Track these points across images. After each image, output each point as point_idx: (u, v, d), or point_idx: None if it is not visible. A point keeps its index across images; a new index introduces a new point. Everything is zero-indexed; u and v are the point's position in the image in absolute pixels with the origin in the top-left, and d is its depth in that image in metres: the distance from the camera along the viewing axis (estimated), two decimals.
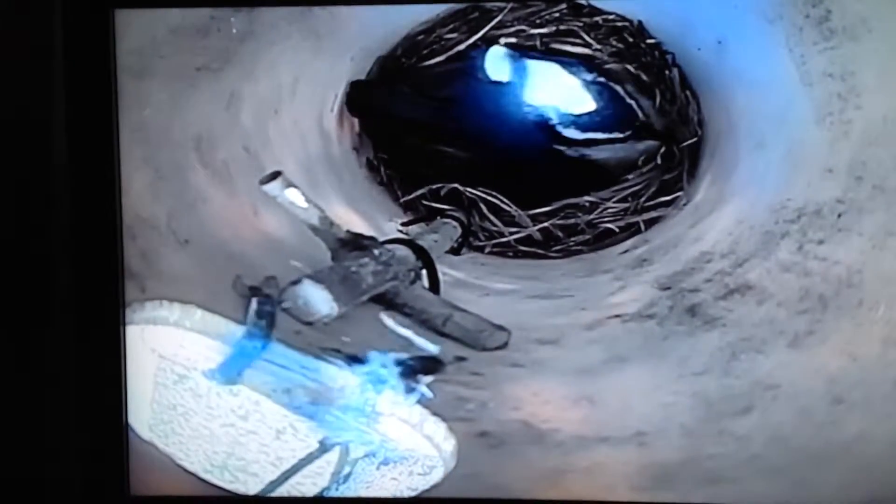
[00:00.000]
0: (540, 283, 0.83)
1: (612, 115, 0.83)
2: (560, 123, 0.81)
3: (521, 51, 0.82)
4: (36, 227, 0.73)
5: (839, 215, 0.73)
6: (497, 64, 0.83)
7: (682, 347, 0.75)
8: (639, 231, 0.85)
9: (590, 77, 0.82)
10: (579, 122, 0.82)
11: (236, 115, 0.79)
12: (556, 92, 0.82)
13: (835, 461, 0.73)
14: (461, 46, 0.83)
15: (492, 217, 0.87)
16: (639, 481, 0.74)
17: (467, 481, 0.75)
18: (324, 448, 0.76)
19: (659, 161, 0.85)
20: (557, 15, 0.84)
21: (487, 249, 0.88)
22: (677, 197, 0.85)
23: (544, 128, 0.81)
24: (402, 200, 0.90)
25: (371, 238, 0.81)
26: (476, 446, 0.75)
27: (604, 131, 0.83)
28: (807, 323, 0.73)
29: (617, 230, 0.84)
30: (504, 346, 0.77)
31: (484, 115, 0.82)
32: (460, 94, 0.83)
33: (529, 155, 0.82)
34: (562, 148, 0.82)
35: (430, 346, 0.76)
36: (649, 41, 0.82)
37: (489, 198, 0.86)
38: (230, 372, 0.76)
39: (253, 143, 0.80)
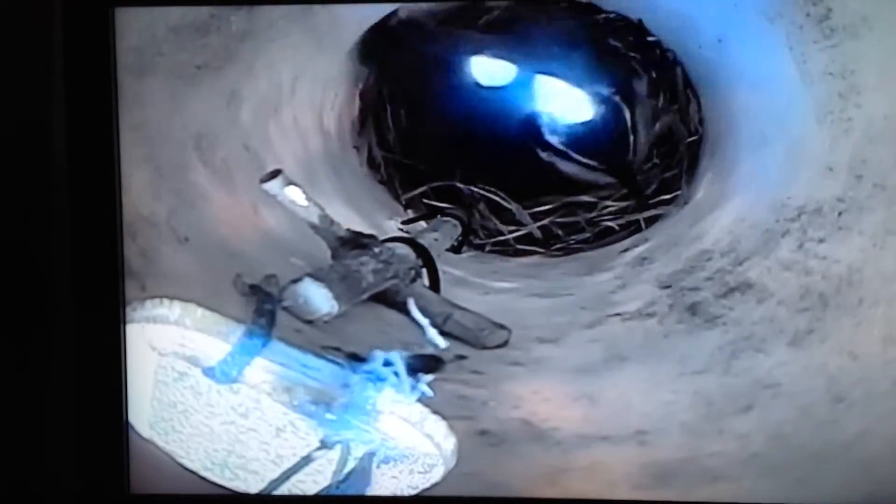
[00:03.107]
0: (540, 282, 0.84)
1: (602, 144, 0.83)
2: (547, 127, 0.82)
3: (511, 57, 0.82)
4: (35, 225, 0.73)
5: (840, 214, 0.73)
6: (483, 71, 0.83)
7: (682, 346, 0.76)
8: (639, 229, 0.85)
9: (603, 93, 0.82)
10: (566, 132, 0.82)
11: (236, 113, 0.79)
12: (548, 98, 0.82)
13: (835, 460, 0.73)
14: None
15: (492, 215, 0.88)
16: (639, 479, 0.74)
17: (467, 479, 0.75)
18: (325, 446, 0.76)
19: (658, 160, 0.86)
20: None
21: (488, 248, 0.89)
22: (678, 195, 0.85)
23: (530, 126, 0.82)
24: (402, 199, 0.90)
25: (371, 236, 0.82)
26: (476, 445, 0.75)
27: (583, 154, 0.83)
28: (807, 321, 0.73)
29: (617, 228, 0.85)
30: (504, 344, 0.77)
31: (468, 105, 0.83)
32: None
33: (508, 147, 0.82)
34: (537, 150, 0.83)
35: (439, 340, 0.76)
36: (649, 39, 0.82)
37: (489, 196, 0.86)
38: (230, 370, 0.76)
39: (253, 141, 0.80)
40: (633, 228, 0.85)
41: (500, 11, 0.84)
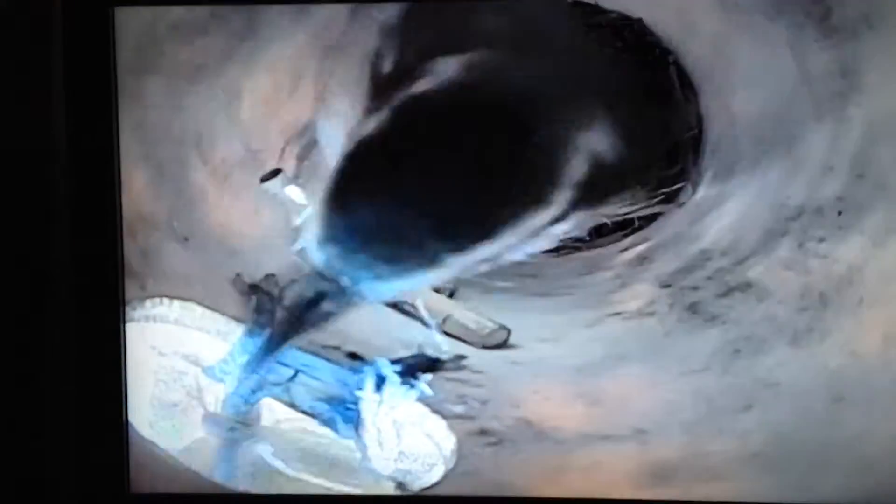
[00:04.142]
0: (540, 281, 0.83)
1: None
2: None
3: None
4: (36, 224, 0.73)
5: (840, 213, 0.73)
6: None
7: (682, 345, 0.75)
8: (639, 228, 0.85)
9: None
10: None
11: (236, 112, 0.79)
12: None
13: (835, 459, 0.73)
14: None
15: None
16: (639, 478, 0.74)
17: (467, 479, 0.75)
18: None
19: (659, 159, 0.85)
20: None
21: None
22: (678, 194, 0.84)
23: None
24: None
25: None
26: (476, 444, 0.75)
27: None
28: (807, 321, 0.73)
29: (617, 227, 0.84)
30: (504, 343, 0.77)
31: None
32: None
33: None
34: None
35: (442, 343, 0.76)
36: (649, 39, 0.82)
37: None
38: (230, 369, 0.76)
39: (253, 140, 0.80)
40: (632, 227, 0.85)
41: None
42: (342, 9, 0.76)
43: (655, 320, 0.77)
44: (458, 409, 0.75)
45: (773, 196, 0.75)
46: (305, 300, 0.74)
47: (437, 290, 0.82)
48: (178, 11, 0.74)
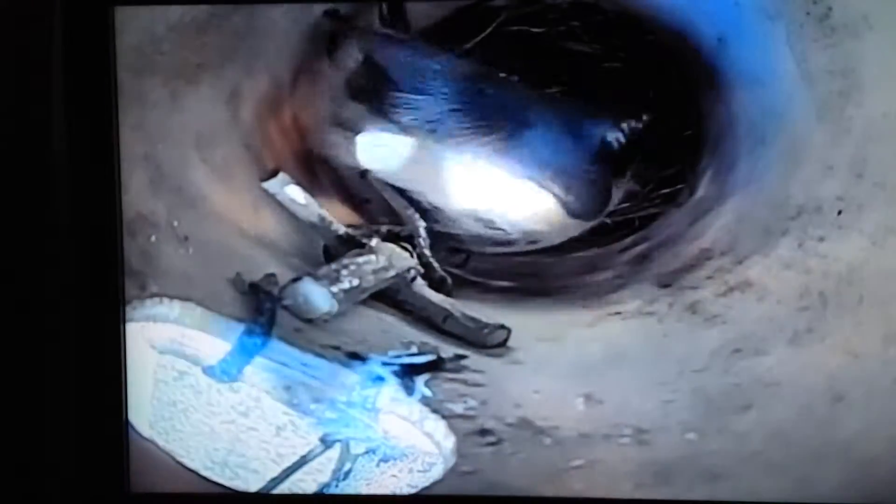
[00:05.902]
0: (540, 281, 0.84)
1: None
2: None
3: None
4: (35, 224, 0.73)
5: (839, 212, 0.73)
6: None
7: (682, 345, 0.76)
8: (639, 228, 0.85)
9: None
10: None
11: (236, 112, 0.79)
12: None
13: (835, 458, 0.72)
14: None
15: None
16: (639, 478, 0.74)
17: (467, 479, 0.75)
18: (325, 445, 0.76)
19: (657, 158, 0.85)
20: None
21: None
22: (677, 194, 0.85)
23: None
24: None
25: (371, 236, 0.82)
26: (476, 444, 0.75)
27: None
28: (807, 320, 0.73)
29: (616, 227, 0.85)
30: (504, 343, 0.77)
31: None
32: None
33: None
34: None
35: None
36: (649, 38, 0.82)
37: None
38: (230, 369, 0.76)
39: (253, 140, 0.80)
40: (632, 227, 0.85)
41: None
42: None
43: (655, 320, 0.77)
44: (458, 409, 0.75)
45: (772, 196, 0.76)
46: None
47: (436, 289, 0.82)
48: (178, 11, 0.74)
